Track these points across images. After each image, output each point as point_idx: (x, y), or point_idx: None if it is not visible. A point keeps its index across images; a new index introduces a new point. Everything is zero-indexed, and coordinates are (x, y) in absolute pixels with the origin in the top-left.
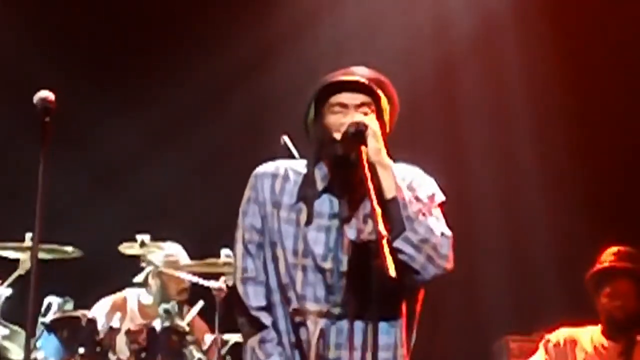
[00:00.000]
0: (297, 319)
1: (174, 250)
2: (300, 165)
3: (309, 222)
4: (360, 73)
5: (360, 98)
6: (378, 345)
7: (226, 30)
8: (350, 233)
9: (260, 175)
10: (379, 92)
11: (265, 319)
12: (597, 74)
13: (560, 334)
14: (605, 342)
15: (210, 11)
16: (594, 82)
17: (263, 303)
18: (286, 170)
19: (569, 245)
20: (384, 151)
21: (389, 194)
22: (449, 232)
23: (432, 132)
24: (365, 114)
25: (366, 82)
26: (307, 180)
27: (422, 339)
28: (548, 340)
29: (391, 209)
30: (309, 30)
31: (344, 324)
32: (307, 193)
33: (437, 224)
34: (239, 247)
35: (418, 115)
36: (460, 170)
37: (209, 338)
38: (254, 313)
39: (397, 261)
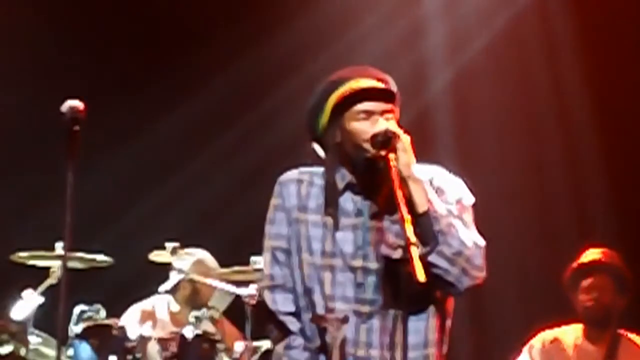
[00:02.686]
0: (321, 324)
1: (203, 257)
2: (322, 171)
3: (335, 224)
4: (375, 75)
5: (384, 106)
6: (408, 344)
7: (259, 36)
8: (382, 248)
9: (285, 182)
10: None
11: (293, 324)
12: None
13: (543, 337)
14: (588, 346)
15: (239, 22)
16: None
17: (291, 309)
18: (310, 175)
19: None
20: (415, 165)
21: (421, 208)
22: (481, 241)
23: (439, 142)
24: (389, 120)
25: (393, 90)
26: (330, 187)
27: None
28: (532, 346)
29: (423, 223)
30: (333, 41)
31: (374, 322)
32: (330, 195)
33: (469, 234)
34: (267, 255)
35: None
36: (490, 180)
37: (240, 345)
38: (282, 318)
39: (431, 274)
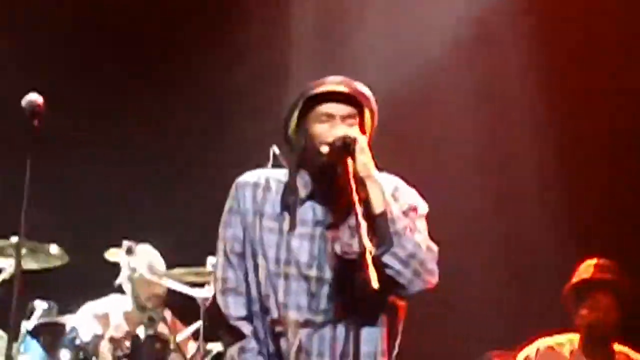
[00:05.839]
0: (277, 329)
1: (151, 255)
2: (281, 174)
3: (292, 229)
4: (346, 84)
5: (347, 109)
6: (360, 353)
7: (216, 64)
8: (336, 245)
9: (242, 185)
10: (365, 104)
11: (245, 328)
12: (591, 96)
13: (538, 345)
14: (584, 358)
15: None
16: (588, 104)
17: (243, 313)
18: (267, 179)
19: (555, 260)
20: (372, 166)
21: (378, 209)
22: (434, 247)
23: (417, 143)
24: (351, 125)
25: (355, 94)
26: (289, 188)
27: (405, 354)
28: (527, 357)
29: (379, 224)
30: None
31: (327, 331)
32: (289, 201)
33: (424, 239)
34: (220, 257)
35: (400, 126)
36: (444, 181)
37: (192, 347)
38: (234, 322)
39: (383, 275)
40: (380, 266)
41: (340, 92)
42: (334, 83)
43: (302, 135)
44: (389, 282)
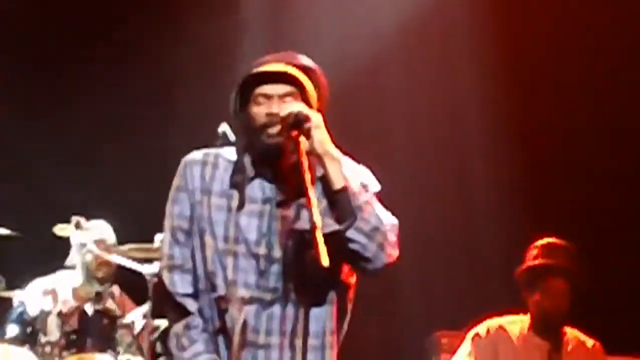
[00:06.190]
0: (222, 305)
1: (104, 234)
2: (229, 153)
3: (240, 207)
4: (287, 60)
5: (284, 88)
6: (308, 331)
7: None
8: (302, 223)
9: (190, 162)
10: (304, 80)
11: (191, 305)
12: (541, 71)
13: (489, 324)
14: (534, 338)
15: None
16: (536, 79)
17: (189, 290)
18: (216, 157)
19: (504, 241)
20: (329, 142)
21: (338, 184)
22: (395, 220)
23: (368, 122)
24: (286, 103)
25: (288, 71)
26: (238, 167)
27: (353, 333)
28: (477, 334)
29: (340, 199)
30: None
31: (275, 309)
32: (237, 179)
33: (385, 213)
34: (167, 235)
35: (350, 105)
36: (395, 161)
37: (140, 323)
38: (180, 300)
39: (347, 251)
40: (343, 242)
41: (273, 72)
42: (272, 61)
43: (244, 116)
44: (354, 257)
